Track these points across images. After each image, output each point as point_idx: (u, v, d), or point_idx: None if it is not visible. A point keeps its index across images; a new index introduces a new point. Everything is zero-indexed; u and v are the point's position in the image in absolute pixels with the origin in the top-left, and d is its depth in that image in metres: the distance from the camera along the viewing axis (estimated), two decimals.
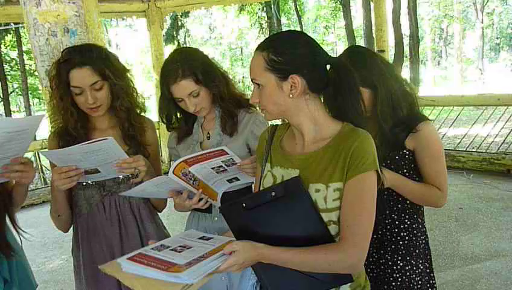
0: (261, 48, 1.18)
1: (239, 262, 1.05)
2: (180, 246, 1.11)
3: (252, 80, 1.20)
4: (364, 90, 1.54)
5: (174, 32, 13.61)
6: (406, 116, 1.58)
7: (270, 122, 1.55)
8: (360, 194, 1.11)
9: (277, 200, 1.11)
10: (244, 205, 1.12)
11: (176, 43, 13.84)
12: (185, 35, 14.71)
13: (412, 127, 1.56)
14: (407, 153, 1.60)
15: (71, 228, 1.71)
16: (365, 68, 1.55)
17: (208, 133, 1.69)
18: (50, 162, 1.57)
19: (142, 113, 1.72)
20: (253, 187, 1.42)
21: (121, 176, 1.61)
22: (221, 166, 1.46)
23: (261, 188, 1.25)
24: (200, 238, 1.19)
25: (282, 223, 1.13)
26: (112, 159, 1.45)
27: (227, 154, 1.43)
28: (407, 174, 1.60)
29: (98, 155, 1.41)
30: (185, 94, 1.56)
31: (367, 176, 1.11)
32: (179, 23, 13.70)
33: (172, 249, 1.09)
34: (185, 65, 1.54)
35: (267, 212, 1.12)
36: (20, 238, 1.57)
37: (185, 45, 14.23)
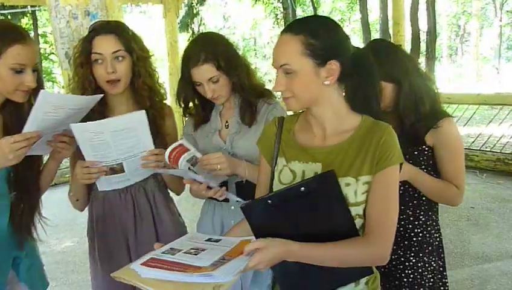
0: (293, 30, 1.11)
1: (265, 259, 0.99)
2: (193, 249, 1.06)
3: (280, 66, 1.11)
4: (387, 85, 1.53)
5: (189, 20, 13.56)
6: (428, 112, 1.56)
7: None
8: (387, 187, 1.11)
9: (306, 196, 1.05)
10: (269, 201, 1.06)
11: (190, 31, 13.80)
12: (199, 24, 14.66)
13: (433, 123, 1.54)
14: (427, 149, 1.58)
15: (85, 210, 1.73)
16: (389, 62, 1.53)
17: (226, 121, 1.67)
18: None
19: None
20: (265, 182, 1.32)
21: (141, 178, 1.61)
22: (189, 169, 1.42)
23: (279, 184, 1.20)
24: (207, 240, 1.15)
25: (309, 219, 1.08)
26: (139, 150, 1.46)
27: (188, 149, 1.41)
28: (424, 170, 1.59)
29: (127, 139, 1.42)
30: (204, 79, 1.54)
31: (394, 169, 1.11)
32: (194, 11, 13.65)
33: (185, 252, 1.04)
34: (208, 50, 1.52)
35: (293, 208, 1.06)
36: (42, 225, 1.59)
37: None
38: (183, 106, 1.70)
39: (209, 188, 1.42)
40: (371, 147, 1.11)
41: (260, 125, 1.62)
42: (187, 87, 1.63)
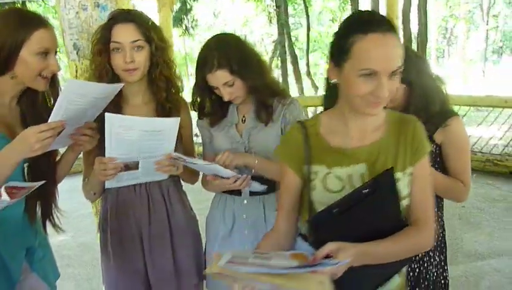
0: (391, 29, 1.04)
1: (348, 258, 0.96)
2: (257, 257, 0.99)
3: (396, 69, 1.05)
4: (399, 86, 1.54)
5: (182, 16, 13.43)
6: (437, 111, 1.60)
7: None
8: (427, 175, 1.17)
9: (367, 198, 1.04)
10: (334, 211, 1.04)
11: (183, 26, 13.68)
12: (192, 20, 14.52)
13: (442, 122, 1.58)
14: (434, 147, 1.62)
15: (82, 204, 1.72)
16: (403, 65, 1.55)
17: (244, 116, 1.68)
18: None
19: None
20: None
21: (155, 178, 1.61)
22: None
23: (327, 193, 1.15)
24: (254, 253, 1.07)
25: (368, 221, 1.07)
26: (159, 153, 1.46)
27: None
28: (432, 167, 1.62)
29: (152, 140, 1.42)
30: (219, 83, 1.55)
31: (427, 157, 1.17)
32: (187, 7, 13.51)
33: (255, 259, 0.96)
34: (221, 54, 1.51)
35: (355, 213, 1.05)
36: (58, 216, 1.58)
37: (190, 29, 14.05)
38: (197, 111, 1.71)
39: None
40: (408, 139, 1.14)
41: (276, 123, 1.63)
42: (203, 92, 1.64)
